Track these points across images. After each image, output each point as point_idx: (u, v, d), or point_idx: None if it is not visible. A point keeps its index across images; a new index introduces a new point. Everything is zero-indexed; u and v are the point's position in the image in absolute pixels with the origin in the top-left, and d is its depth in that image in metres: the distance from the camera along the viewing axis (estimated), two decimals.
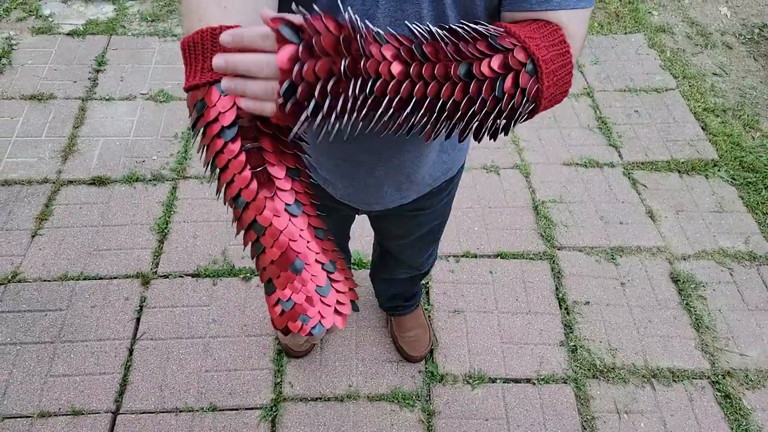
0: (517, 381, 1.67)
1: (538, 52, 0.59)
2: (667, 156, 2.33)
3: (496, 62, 0.58)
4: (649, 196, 2.18)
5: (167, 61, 2.60)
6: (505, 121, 0.63)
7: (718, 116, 2.50)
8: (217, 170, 0.58)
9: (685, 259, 1.99)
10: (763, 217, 2.13)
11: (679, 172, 2.28)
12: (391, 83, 0.54)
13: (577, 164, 2.28)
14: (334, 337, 1.74)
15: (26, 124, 2.29)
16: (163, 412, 1.57)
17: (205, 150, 0.59)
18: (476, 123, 0.62)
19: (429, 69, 0.56)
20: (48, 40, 2.66)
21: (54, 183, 2.09)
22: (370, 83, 0.53)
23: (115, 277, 1.84)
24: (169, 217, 2.02)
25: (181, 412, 1.57)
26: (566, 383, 1.67)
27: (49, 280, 1.82)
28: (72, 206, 2.03)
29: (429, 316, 1.80)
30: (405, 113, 0.58)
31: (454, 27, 0.61)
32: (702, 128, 2.44)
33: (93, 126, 2.31)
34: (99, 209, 2.03)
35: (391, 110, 0.56)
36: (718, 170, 2.28)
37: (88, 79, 2.49)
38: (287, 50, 0.48)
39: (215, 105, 0.56)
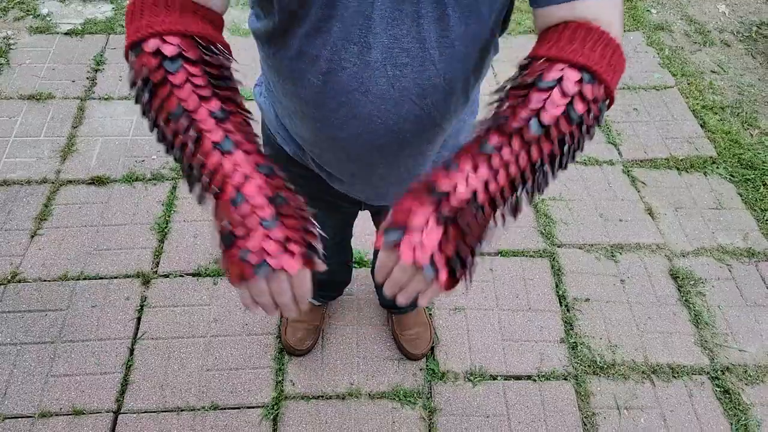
0: (517, 378, 1.68)
1: (585, 60, 0.59)
2: (666, 153, 2.34)
3: (557, 100, 0.59)
4: (648, 194, 2.19)
5: None
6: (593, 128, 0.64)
7: (716, 114, 2.51)
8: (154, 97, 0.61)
9: (684, 256, 2.00)
10: (762, 213, 2.14)
11: (678, 169, 2.28)
12: (492, 194, 0.59)
13: (577, 162, 2.29)
14: (335, 336, 1.75)
15: (24, 124, 2.28)
16: (165, 411, 1.57)
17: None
18: (574, 148, 0.63)
19: (508, 158, 0.59)
20: (46, 39, 2.66)
21: (53, 183, 2.09)
22: (481, 214, 0.59)
23: (115, 277, 1.84)
24: (169, 216, 2.02)
25: (182, 411, 1.57)
26: (567, 380, 1.68)
27: (49, 280, 1.82)
28: (71, 206, 2.03)
29: (430, 314, 1.80)
30: (521, 190, 0.61)
31: (500, 92, 0.63)
32: (701, 126, 2.45)
33: (92, 125, 2.30)
34: (98, 209, 2.02)
35: (506, 203, 0.60)
36: (717, 167, 2.29)
37: (87, 78, 2.48)
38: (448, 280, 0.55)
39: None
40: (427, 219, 0.57)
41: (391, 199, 1.01)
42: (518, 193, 0.60)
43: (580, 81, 0.59)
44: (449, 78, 0.75)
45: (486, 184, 0.59)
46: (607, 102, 0.63)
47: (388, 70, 0.72)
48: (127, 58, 0.64)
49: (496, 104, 0.64)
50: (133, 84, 0.62)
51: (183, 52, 0.61)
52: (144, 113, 0.63)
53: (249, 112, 0.66)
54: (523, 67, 0.64)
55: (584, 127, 0.61)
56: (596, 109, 0.61)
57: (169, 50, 0.60)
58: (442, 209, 0.58)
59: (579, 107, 0.59)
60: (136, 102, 0.63)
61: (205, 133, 0.59)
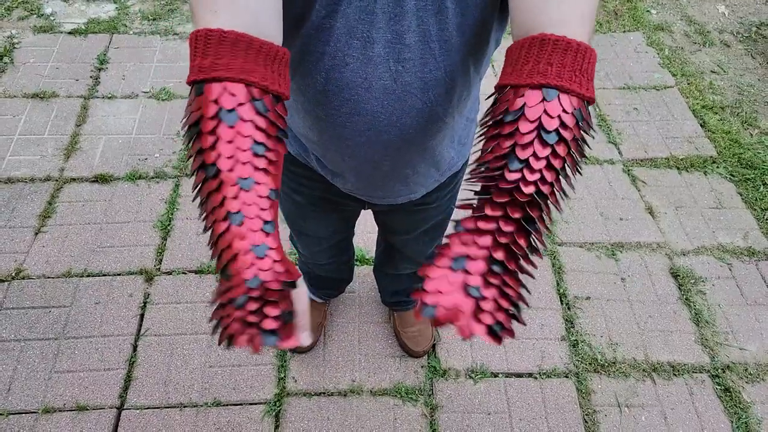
0: (519, 375, 1.69)
1: (556, 81, 0.58)
2: (666, 153, 2.34)
3: (526, 129, 0.58)
4: (649, 193, 2.20)
5: (169, 60, 2.61)
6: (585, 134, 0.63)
7: (716, 113, 2.52)
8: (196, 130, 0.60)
9: (684, 255, 2.01)
10: (762, 212, 2.15)
11: (678, 168, 2.29)
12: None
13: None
14: (337, 333, 1.76)
15: (28, 123, 2.30)
16: (168, 407, 1.58)
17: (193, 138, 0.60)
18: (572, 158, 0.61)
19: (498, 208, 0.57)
20: (50, 38, 2.67)
21: (57, 181, 2.10)
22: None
23: (118, 274, 1.85)
24: (172, 214, 2.03)
25: (185, 407, 1.58)
26: (568, 377, 1.69)
27: (52, 277, 1.83)
28: (75, 204, 2.04)
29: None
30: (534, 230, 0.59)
31: (482, 159, 0.62)
32: (701, 125, 2.46)
33: (95, 124, 2.31)
34: (102, 207, 2.03)
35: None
36: (717, 167, 2.30)
37: (90, 77, 2.50)
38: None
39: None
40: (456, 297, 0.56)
41: (394, 198, 1.02)
42: (532, 238, 0.58)
43: (543, 101, 0.58)
44: (450, 71, 0.76)
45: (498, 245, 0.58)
46: (587, 103, 0.61)
47: (391, 65, 0.73)
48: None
49: (481, 142, 0.63)
50: (188, 119, 0.61)
51: (240, 105, 0.60)
52: (188, 143, 0.63)
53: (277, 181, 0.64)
54: (494, 102, 0.64)
55: (570, 139, 0.59)
56: (570, 119, 0.58)
57: (227, 102, 0.59)
58: (470, 282, 0.57)
59: (551, 126, 0.58)
60: (187, 131, 0.62)
61: (226, 199, 0.59)
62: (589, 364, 1.72)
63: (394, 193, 1.00)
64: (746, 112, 2.53)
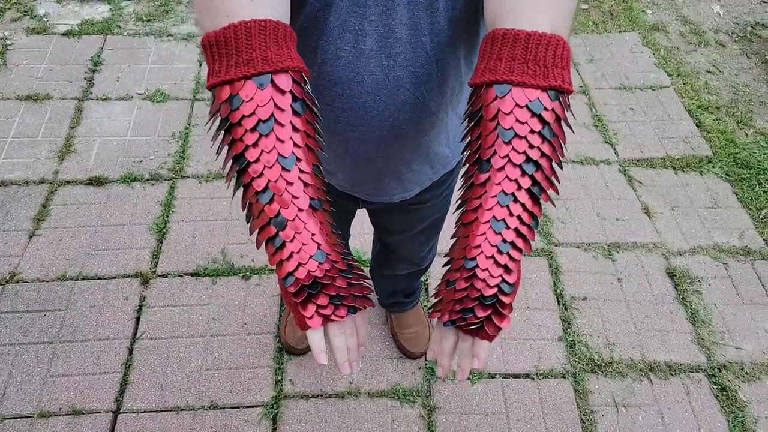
0: (516, 376, 1.69)
1: (505, 76, 0.57)
2: (662, 153, 2.35)
3: (514, 121, 0.57)
4: (645, 193, 2.20)
5: (163, 61, 2.60)
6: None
7: (712, 113, 2.53)
8: (245, 162, 0.58)
9: (680, 255, 2.01)
10: (757, 212, 2.16)
11: (674, 168, 2.30)
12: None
13: (574, 161, 2.30)
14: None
15: (22, 125, 2.28)
16: (164, 411, 1.57)
17: (230, 144, 0.59)
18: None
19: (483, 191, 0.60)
20: (43, 40, 2.65)
21: (51, 183, 2.09)
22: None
23: (114, 277, 1.84)
24: (167, 216, 2.02)
25: (182, 410, 1.57)
26: (565, 378, 1.69)
27: (47, 281, 1.82)
28: (69, 206, 2.02)
29: (428, 313, 1.81)
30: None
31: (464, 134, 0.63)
32: (696, 125, 2.47)
33: (89, 126, 2.30)
34: (97, 209, 2.02)
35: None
36: (713, 167, 2.30)
37: (84, 79, 2.48)
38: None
39: (252, 99, 0.57)
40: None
41: (389, 196, 1.02)
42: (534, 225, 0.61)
43: (496, 98, 0.57)
44: (442, 65, 0.76)
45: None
46: (561, 93, 0.59)
47: (383, 60, 0.73)
48: (211, 87, 0.60)
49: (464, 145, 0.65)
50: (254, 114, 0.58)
51: (295, 97, 0.59)
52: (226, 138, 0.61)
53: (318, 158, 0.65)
54: (468, 100, 0.64)
55: (527, 133, 0.57)
56: (523, 113, 0.57)
57: (297, 90, 0.59)
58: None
59: (506, 123, 0.57)
60: (219, 129, 0.60)
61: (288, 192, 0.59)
62: (586, 364, 1.72)
63: (388, 190, 0.99)
64: (741, 112, 2.54)
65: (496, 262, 0.58)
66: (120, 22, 2.79)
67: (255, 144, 0.57)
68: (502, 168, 0.57)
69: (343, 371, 0.65)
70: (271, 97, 0.57)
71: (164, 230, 1.98)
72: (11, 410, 1.55)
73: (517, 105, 0.57)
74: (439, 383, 1.66)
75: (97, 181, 2.10)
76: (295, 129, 0.59)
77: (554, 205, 0.63)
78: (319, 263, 0.60)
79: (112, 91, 2.45)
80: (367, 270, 1.89)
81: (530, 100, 0.57)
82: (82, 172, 2.13)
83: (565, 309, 1.85)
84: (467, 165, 0.62)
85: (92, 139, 2.25)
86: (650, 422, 1.61)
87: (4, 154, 2.17)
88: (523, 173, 0.57)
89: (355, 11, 0.69)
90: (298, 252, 0.59)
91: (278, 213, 0.58)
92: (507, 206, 0.58)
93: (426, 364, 1.70)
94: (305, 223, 0.59)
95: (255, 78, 0.57)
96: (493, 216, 0.58)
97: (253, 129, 0.57)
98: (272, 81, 0.57)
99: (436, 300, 0.64)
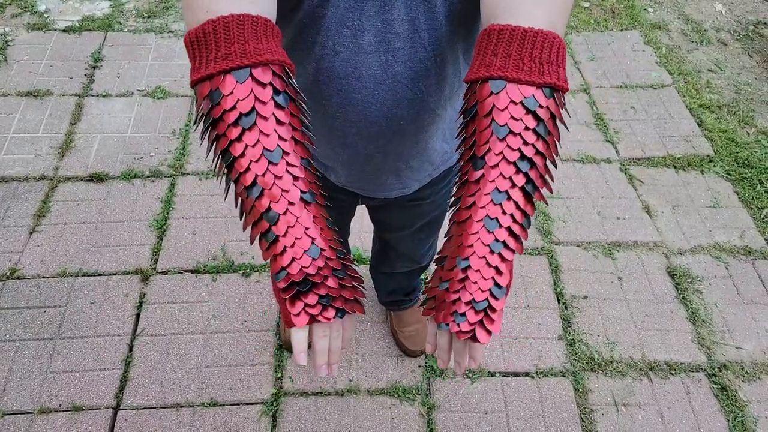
0: (516, 375, 1.69)
1: (500, 72, 0.56)
2: (663, 152, 2.35)
3: (512, 115, 0.57)
4: (646, 192, 2.20)
5: (164, 58, 2.60)
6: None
7: (713, 112, 2.52)
8: (231, 158, 0.58)
9: (681, 254, 2.01)
10: (758, 212, 2.15)
11: (675, 167, 2.30)
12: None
13: (575, 160, 2.30)
14: None
15: (22, 121, 2.28)
16: (164, 407, 1.57)
17: (215, 140, 0.59)
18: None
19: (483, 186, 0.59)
20: (43, 36, 2.65)
21: (51, 179, 2.09)
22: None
23: (114, 274, 1.84)
24: (167, 213, 2.01)
25: (181, 407, 1.57)
26: (565, 376, 1.69)
27: (47, 277, 1.82)
28: (70, 203, 2.02)
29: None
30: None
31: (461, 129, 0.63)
32: (698, 124, 2.46)
33: (90, 122, 2.30)
34: (97, 206, 2.02)
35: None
36: (714, 166, 2.30)
37: (85, 75, 2.48)
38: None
39: (232, 93, 0.56)
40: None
41: (387, 191, 1.01)
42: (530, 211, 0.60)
43: (491, 94, 0.57)
44: (440, 61, 0.76)
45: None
46: (555, 89, 0.59)
47: (381, 55, 0.73)
48: (195, 82, 0.59)
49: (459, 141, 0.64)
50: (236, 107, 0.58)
51: (283, 88, 0.59)
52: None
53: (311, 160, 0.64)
54: (464, 96, 0.63)
55: (522, 130, 0.57)
56: (517, 110, 0.57)
57: (278, 83, 0.58)
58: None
59: (501, 119, 0.57)
60: (204, 125, 0.59)
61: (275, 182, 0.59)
62: (586, 363, 1.72)
63: (386, 186, 0.99)
64: (743, 111, 2.53)
65: (488, 263, 0.58)
66: (120, 19, 2.78)
67: (239, 138, 0.57)
68: (496, 165, 0.57)
69: (320, 374, 0.63)
70: (251, 90, 0.56)
71: (164, 227, 1.97)
72: (11, 406, 1.55)
73: (512, 101, 0.56)
74: (439, 381, 1.66)
75: (97, 178, 2.10)
76: (279, 122, 0.58)
77: (547, 204, 0.63)
78: (313, 259, 0.59)
79: (113, 87, 2.44)
80: (366, 270, 1.89)
81: (525, 97, 0.56)
82: (83, 168, 2.13)
83: (566, 308, 1.85)
84: (462, 161, 0.62)
85: (93, 136, 2.25)
86: (650, 421, 1.61)
87: (4, 150, 2.17)
88: (518, 171, 0.57)
89: (353, 7, 0.69)
90: (291, 246, 0.58)
91: (269, 208, 0.58)
92: (500, 204, 0.58)
93: (426, 362, 1.70)
94: (297, 217, 0.59)
95: (234, 72, 0.56)
96: (486, 215, 0.58)
97: (236, 123, 0.57)
98: (251, 74, 0.57)
99: (428, 297, 0.64)
